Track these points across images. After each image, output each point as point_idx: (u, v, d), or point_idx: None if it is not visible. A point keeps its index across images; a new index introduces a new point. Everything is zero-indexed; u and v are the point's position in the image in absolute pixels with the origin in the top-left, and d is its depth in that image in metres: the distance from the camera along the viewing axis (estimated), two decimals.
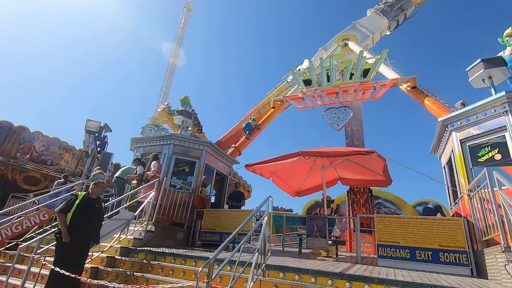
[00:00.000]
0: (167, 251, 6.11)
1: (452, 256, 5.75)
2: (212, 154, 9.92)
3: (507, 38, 6.43)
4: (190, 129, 10.21)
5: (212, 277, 3.33)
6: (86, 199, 5.04)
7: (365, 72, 12.30)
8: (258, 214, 6.25)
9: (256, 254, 4.44)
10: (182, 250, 6.80)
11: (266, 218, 4.96)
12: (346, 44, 16.92)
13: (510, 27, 6.43)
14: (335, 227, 15.58)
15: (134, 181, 8.06)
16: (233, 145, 13.79)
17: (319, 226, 8.33)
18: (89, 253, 5.26)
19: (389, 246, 6.30)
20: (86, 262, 5.07)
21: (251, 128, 14.63)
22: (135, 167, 8.44)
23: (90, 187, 5.24)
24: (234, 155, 13.56)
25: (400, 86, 12.37)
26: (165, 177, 8.17)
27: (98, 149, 12.04)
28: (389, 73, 13.25)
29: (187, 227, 8.72)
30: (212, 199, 10.80)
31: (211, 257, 3.41)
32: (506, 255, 4.31)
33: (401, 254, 6.15)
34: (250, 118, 14.70)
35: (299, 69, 15.92)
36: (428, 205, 8.38)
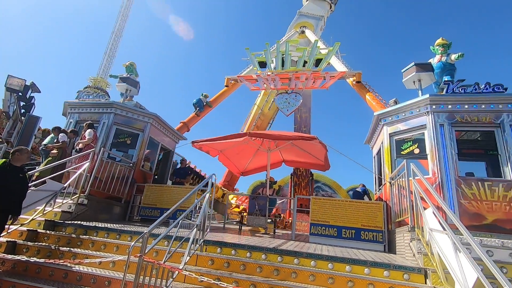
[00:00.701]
0: (100, 225, 5.79)
1: (370, 234, 6.56)
2: (158, 128, 9.46)
3: (437, 47, 7.27)
4: (135, 101, 9.51)
5: (146, 252, 3.28)
6: (6, 166, 4.43)
7: (318, 62, 12.77)
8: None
9: (195, 230, 4.49)
10: (117, 224, 6.51)
11: (207, 195, 4.99)
12: (303, 32, 17.23)
13: (441, 38, 7.26)
14: (276, 206, 16.45)
15: (54, 151, 7.31)
16: (181, 121, 13.34)
17: (260, 205, 8.69)
18: (6, 226, 4.70)
19: (320, 225, 6.90)
20: (1, 235, 4.53)
21: (202, 105, 14.26)
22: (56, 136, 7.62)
23: (14, 153, 4.60)
24: (182, 130, 13.14)
25: (347, 79, 13.20)
26: (102, 148, 7.57)
27: (22, 111, 10.54)
28: (338, 66, 13.99)
29: (125, 201, 8.33)
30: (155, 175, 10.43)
31: (146, 231, 3.34)
32: (411, 234, 5.08)
33: (330, 232, 6.80)
34: (202, 94, 14.29)
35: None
36: (357, 189, 9.35)
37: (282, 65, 13.17)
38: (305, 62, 12.91)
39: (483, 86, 5.99)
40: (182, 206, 6.62)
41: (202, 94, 14.40)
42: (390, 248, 6.45)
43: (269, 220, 9.29)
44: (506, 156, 5.64)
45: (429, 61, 7.31)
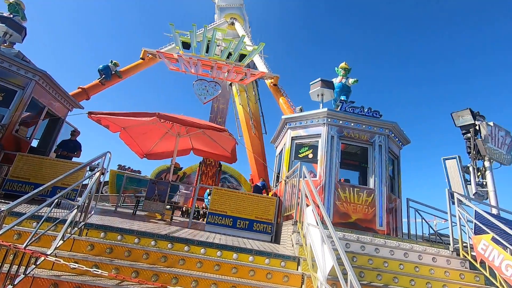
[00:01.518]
0: None
1: (262, 226, 7.14)
2: (45, 88, 7.92)
3: (340, 70, 8.46)
4: (16, 50, 7.68)
5: (0, 232, 2.72)
6: None
7: (241, 57, 13.03)
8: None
9: (75, 211, 3.98)
10: None
11: (97, 174, 4.49)
12: (233, 23, 17.23)
13: (344, 62, 8.47)
14: (177, 193, 16.07)
15: None
16: (80, 86, 11.52)
17: (160, 191, 8.34)
18: None
19: (218, 214, 7.11)
20: None
21: (109, 73, 12.64)
22: None
23: None
24: (79, 97, 11.37)
25: (265, 80, 13.90)
26: None
27: None
28: (260, 65, 14.59)
29: None
30: (34, 143, 8.72)
31: (3, 208, 2.77)
32: (294, 227, 5.78)
33: (226, 222, 7.09)
34: (111, 61, 12.65)
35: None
36: (257, 184, 10.02)
37: (207, 51, 12.89)
38: (230, 54, 12.98)
39: (366, 109, 7.27)
40: (64, 184, 5.76)
41: (112, 62, 12.74)
42: (276, 238, 7.18)
43: (168, 207, 9.02)
44: (372, 169, 7.01)
45: (333, 80, 8.42)
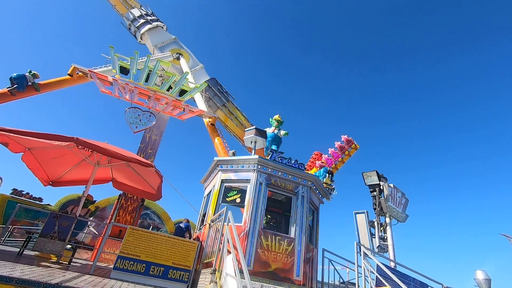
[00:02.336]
0: None
1: (178, 273, 6.58)
2: None
3: (274, 121, 9.15)
4: None
5: None
6: None
7: (182, 92, 13.01)
8: None
9: None
10: None
11: None
12: (178, 58, 17.39)
13: (278, 115, 9.22)
14: (85, 231, 13.91)
15: None
16: None
17: (62, 227, 7.14)
18: None
19: (129, 258, 6.33)
20: None
21: (24, 83, 11.06)
22: None
23: None
24: None
25: (203, 118, 13.99)
26: None
27: None
28: (200, 103, 14.73)
29: None
30: None
31: None
32: (212, 276, 5.49)
33: (137, 268, 6.33)
34: (29, 71, 11.18)
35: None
36: (180, 224, 9.43)
37: (146, 80, 12.53)
38: (170, 87, 12.87)
39: (293, 161, 7.84)
40: None
41: (30, 72, 11.27)
42: (193, 287, 6.65)
43: (68, 246, 7.70)
44: (294, 218, 7.36)
45: (266, 129, 8.99)
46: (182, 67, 16.63)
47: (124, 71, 12.10)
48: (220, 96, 16.75)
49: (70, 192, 19.42)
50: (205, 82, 14.86)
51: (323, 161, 12.94)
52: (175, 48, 17.37)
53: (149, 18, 17.46)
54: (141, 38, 17.70)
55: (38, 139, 6.46)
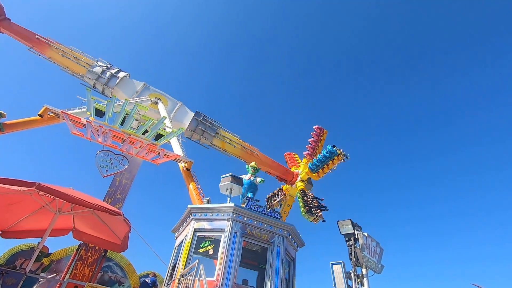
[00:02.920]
0: None
1: None
2: None
3: (250, 168, 9.19)
4: None
5: None
6: None
7: (158, 136, 12.89)
8: None
9: None
10: None
11: None
12: (156, 103, 17.55)
13: (254, 162, 9.32)
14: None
15: None
16: None
17: (6, 286, 6.25)
18: None
19: None
20: None
21: None
22: None
23: None
24: None
25: (179, 163, 13.74)
26: None
27: None
28: (177, 148, 14.56)
29: None
30: None
31: None
32: None
33: None
34: None
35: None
36: (146, 279, 8.60)
37: (122, 123, 12.35)
38: (146, 131, 12.73)
39: (269, 210, 7.75)
40: None
41: None
42: None
43: None
44: (269, 271, 7.02)
45: (242, 176, 8.97)
46: (160, 112, 16.72)
47: (99, 113, 11.91)
48: (210, 125, 17.33)
49: (21, 242, 17.39)
50: (182, 127, 14.89)
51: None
52: (154, 93, 17.63)
53: (113, 71, 16.45)
54: (111, 94, 16.37)
55: None
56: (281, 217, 7.88)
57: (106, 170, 11.53)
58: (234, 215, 7.33)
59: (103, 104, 12.21)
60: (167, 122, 14.29)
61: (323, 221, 12.21)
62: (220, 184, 8.32)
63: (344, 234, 8.97)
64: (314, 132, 19.00)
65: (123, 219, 6.57)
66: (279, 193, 20.01)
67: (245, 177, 8.97)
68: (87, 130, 11.70)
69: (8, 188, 6.22)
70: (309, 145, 18.77)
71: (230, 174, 8.27)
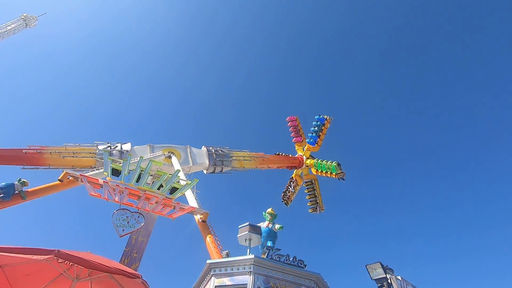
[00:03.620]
0: None
1: None
2: None
3: (267, 215, 8.94)
4: None
5: None
6: None
7: (173, 190, 12.97)
8: None
9: None
10: None
11: None
12: (170, 157, 18.02)
13: (271, 208, 9.10)
14: None
15: None
16: None
17: None
18: None
19: None
20: None
21: (11, 192, 10.88)
22: None
23: None
24: None
25: (194, 215, 13.57)
26: None
27: None
28: (192, 200, 14.52)
29: None
30: None
31: None
32: None
33: None
34: (18, 179, 11.16)
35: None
36: None
37: (137, 180, 12.59)
38: (161, 186, 12.88)
39: (291, 258, 7.34)
40: None
41: (19, 180, 11.26)
42: None
43: None
44: None
45: (260, 224, 8.70)
46: (174, 165, 17.07)
47: (116, 173, 12.26)
48: (222, 153, 19.44)
49: None
50: (196, 179, 15.01)
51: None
52: (169, 148, 18.22)
53: (117, 148, 16.45)
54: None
55: (14, 255, 5.95)
56: (305, 266, 7.41)
57: (123, 230, 11.46)
58: (256, 268, 6.94)
59: (119, 164, 12.63)
60: (181, 175, 14.48)
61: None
62: (238, 235, 8.05)
63: (375, 280, 8.26)
64: (290, 123, 24.07)
65: (141, 281, 6.32)
66: (291, 183, 24.73)
67: (263, 225, 8.69)
68: (104, 190, 11.94)
69: (28, 258, 6.20)
70: (293, 134, 23.82)
71: (247, 223, 8.04)
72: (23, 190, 11.26)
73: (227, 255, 8.39)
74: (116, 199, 11.94)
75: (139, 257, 17.74)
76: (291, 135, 24.05)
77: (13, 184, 10.97)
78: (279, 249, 7.56)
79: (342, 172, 20.51)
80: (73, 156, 14.26)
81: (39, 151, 13.45)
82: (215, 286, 7.15)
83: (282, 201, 24.92)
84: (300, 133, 24.08)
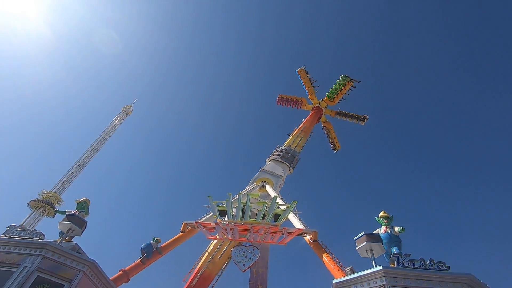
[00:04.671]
0: None
1: None
2: (91, 279, 7.99)
3: (382, 219, 8.10)
4: (74, 242, 8.45)
5: None
6: None
7: (276, 217, 13.22)
8: None
9: None
10: None
11: None
12: (263, 186, 18.71)
13: (383, 211, 8.25)
14: None
15: None
16: (122, 269, 11.56)
17: None
18: None
19: None
20: None
21: (151, 251, 12.91)
22: None
23: None
24: (119, 281, 11.15)
25: (304, 237, 13.39)
26: None
27: None
28: (296, 222, 14.47)
29: None
30: None
31: None
32: None
33: None
34: (153, 239, 13.21)
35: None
36: None
37: (242, 216, 13.34)
38: (264, 215, 13.30)
39: (428, 262, 6.36)
40: None
41: (154, 239, 13.31)
42: None
43: None
44: None
45: (376, 231, 7.93)
46: (269, 193, 17.59)
47: (222, 213, 13.32)
48: (283, 150, 22.65)
49: None
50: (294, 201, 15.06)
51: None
52: (260, 178, 19.00)
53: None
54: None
55: None
56: (448, 267, 6.27)
57: (244, 264, 12.09)
58: (389, 280, 6.23)
59: (223, 205, 13.71)
60: (279, 200, 14.75)
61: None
62: (357, 248, 7.51)
63: None
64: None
65: None
66: (326, 133, 30.75)
67: (381, 231, 7.89)
68: (218, 232, 13.01)
69: None
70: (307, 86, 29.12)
71: (363, 233, 7.45)
72: (158, 246, 13.23)
73: (352, 271, 7.83)
74: (230, 237, 12.83)
75: None
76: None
77: (150, 244, 13.05)
78: (409, 254, 6.65)
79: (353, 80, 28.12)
80: None
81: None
82: None
83: (334, 150, 31.24)
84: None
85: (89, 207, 9.92)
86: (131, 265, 12.16)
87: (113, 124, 70.89)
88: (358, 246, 7.47)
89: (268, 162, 21.87)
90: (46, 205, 50.70)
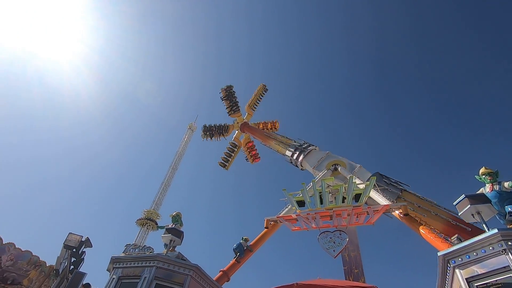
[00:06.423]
0: None
1: None
2: (198, 281, 8.89)
3: (484, 176, 6.96)
4: (177, 251, 9.52)
5: None
6: None
7: (357, 197, 12.62)
8: None
9: None
10: None
11: None
12: (336, 169, 18.07)
13: (484, 167, 7.08)
14: None
15: None
16: (221, 269, 12.57)
17: None
18: None
19: None
20: None
21: (242, 250, 13.72)
22: None
23: None
24: (221, 281, 12.16)
25: (392, 213, 12.48)
26: None
27: (72, 267, 10.83)
28: (380, 199, 13.60)
29: None
30: None
31: None
32: None
33: None
34: (242, 238, 14.01)
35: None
36: None
37: (321, 203, 13.13)
38: (344, 198, 12.84)
39: None
40: None
41: (243, 238, 14.11)
42: None
43: None
44: None
45: (480, 191, 6.88)
46: (343, 175, 16.92)
47: (301, 204, 13.32)
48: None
49: None
50: (372, 176, 14.18)
51: None
52: (330, 161, 18.46)
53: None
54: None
55: None
56: None
57: (334, 250, 11.85)
58: (510, 243, 5.36)
59: (299, 195, 13.72)
60: (356, 180, 14.08)
61: None
62: (460, 213, 6.63)
63: None
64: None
65: None
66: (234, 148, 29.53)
67: (486, 190, 6.79)
68: (301, 222, 13.06)
69: None
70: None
71: (463, 196, 6.53)
72: (248, 245, 13.99)
73: (459, 240, 6.95)
74: (313, 225, 12.74)
75: (360, 271, 17.66)
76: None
77: (240, 243, 13.89)
78: None
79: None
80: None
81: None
82: (466, 279, 5.95)
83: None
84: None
85: (181, 219, 11.04)
86: (228, 265, 13.12)
87: (183, 143, 78.65)
88: (461, 211, 6.59)
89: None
90: (149, 221, 62.01)
